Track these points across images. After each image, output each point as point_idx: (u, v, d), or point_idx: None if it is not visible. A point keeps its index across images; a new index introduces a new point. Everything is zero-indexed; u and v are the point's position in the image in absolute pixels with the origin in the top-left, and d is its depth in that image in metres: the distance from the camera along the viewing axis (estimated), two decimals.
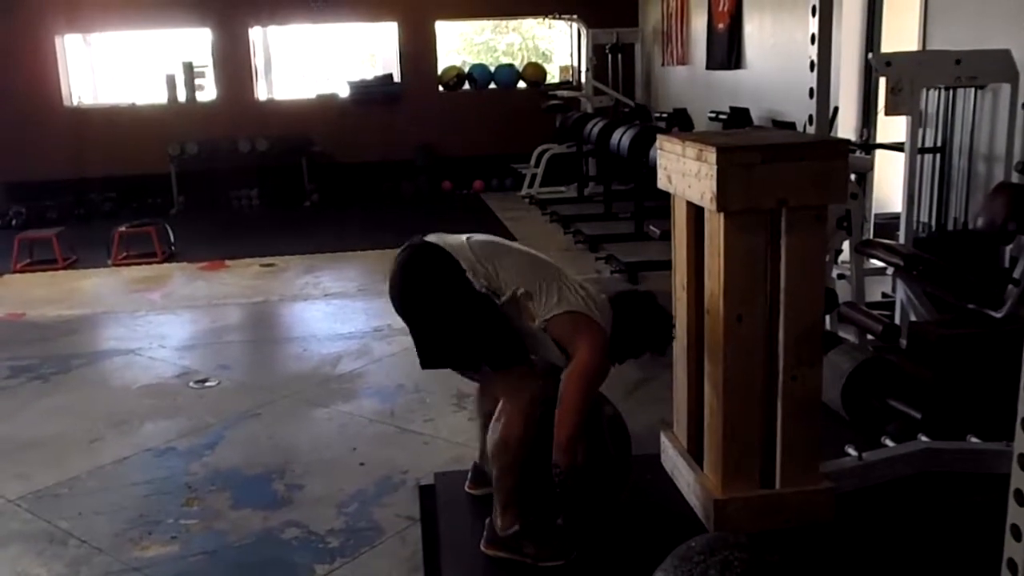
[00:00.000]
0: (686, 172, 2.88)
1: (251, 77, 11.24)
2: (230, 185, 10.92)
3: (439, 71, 11.63)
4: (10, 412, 4.50)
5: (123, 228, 8.12)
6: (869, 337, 4.23)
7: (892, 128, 5.81)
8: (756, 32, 8.12)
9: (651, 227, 7.58)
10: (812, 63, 3.72)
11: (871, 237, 5.09)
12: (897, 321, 4.37)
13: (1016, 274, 3.90)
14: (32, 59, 10.63)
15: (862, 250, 4.38)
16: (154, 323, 6.03)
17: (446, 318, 2.70)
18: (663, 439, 3.35)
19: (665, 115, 9.50)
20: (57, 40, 10.82)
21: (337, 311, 6.17)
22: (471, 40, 17.77)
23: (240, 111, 11.04)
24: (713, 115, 8.42)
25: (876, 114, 6.30)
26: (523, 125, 11.04)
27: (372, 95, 11.31)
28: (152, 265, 7.81)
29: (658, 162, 3.17)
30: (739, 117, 7.92)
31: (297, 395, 4.58)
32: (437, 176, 11.36)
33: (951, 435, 3.31)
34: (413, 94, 11.40)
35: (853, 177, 4.14)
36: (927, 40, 5.38)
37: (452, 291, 2.66)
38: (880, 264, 4.58)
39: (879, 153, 5.75)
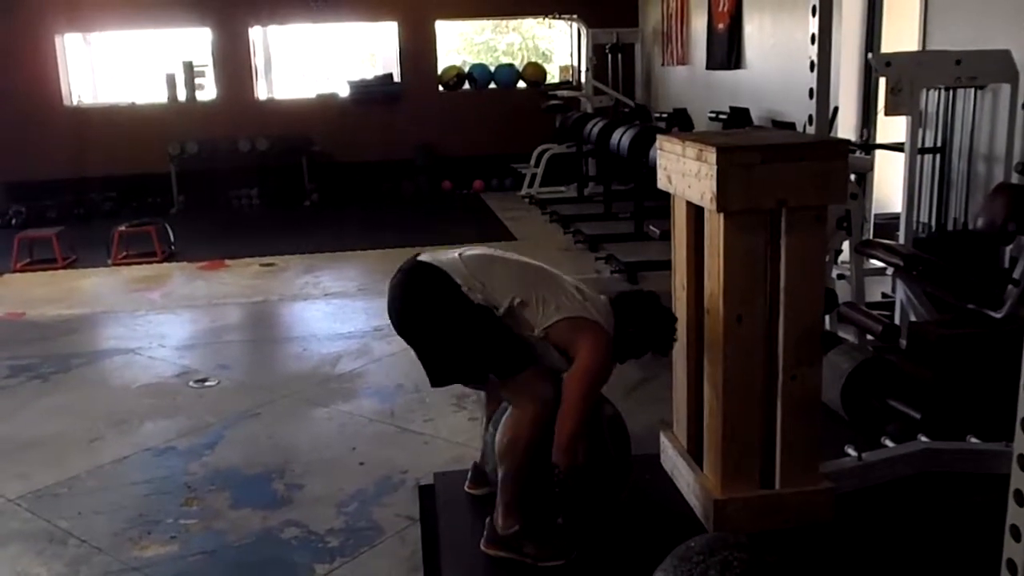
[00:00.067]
0: (686, 172, 2.88)
1: (251, 77, 11.24)
2: (230, 185, 10.92)
3: (439, 71, 11.63)
4: (10, 411, 4.50)
5: (123, 227, 8.12)
6: (869, 337, 4.23)
7: (892, 128, 5.81)
8: (756, 32, 8.12)
9: (651, 227, 7.58)
10: (812, 63, 3.72)
11: (871, 237, 5.09)
12: (897, 321, 4.37)
13: (1016, 274, 3.90)
14: (32, 58, 10.63)
15: (862, 250, 4.38)
16: (154, 322, 6.03)
17: (449, 335, 2.70)
18: (663, 439, 3.35)
19: (665, 115, 9.50)
20: (57, 39, 10.82)
21: (337, 311, 6.18)
22: (471, 40, 17.78)
23: (240, 111, 11.04)
24: (713, 115, 8.43)
25: (876, 114, 6.30)
26: (523, 125, 11.04)
27: (372, 95, 11.31)
28: (152, 265, 7.81)
29: (658, 162, 3.17)
30: (739, 117, 7.92)
31: (297, 395, 4.58)
32: (437, 176, 11.37)
33: (951, 435, 3.31)
34: (413, 94, 11.41)
35: (853, 177, 4.14)
36: (927, 40, 5.38)
37: (451, 308, 2.66)
38: (880, 264, 4.58)
39: (879, 153, 5.75)
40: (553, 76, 12.90)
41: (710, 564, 1.98)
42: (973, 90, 4.85)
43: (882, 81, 4.47)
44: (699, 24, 9.41)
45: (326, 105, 11.37)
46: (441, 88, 11.64)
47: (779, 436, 2.85)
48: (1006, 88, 4.52)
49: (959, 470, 3.18)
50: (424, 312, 2.74)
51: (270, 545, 3.13)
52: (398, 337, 2.86)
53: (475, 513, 2.98)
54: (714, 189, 2.64)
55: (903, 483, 3.15)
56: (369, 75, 11.76)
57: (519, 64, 13.28)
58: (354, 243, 8.38)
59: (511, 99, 11.62)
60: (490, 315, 2.66)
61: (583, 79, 11.08)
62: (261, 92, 11.59)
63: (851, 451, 3.16)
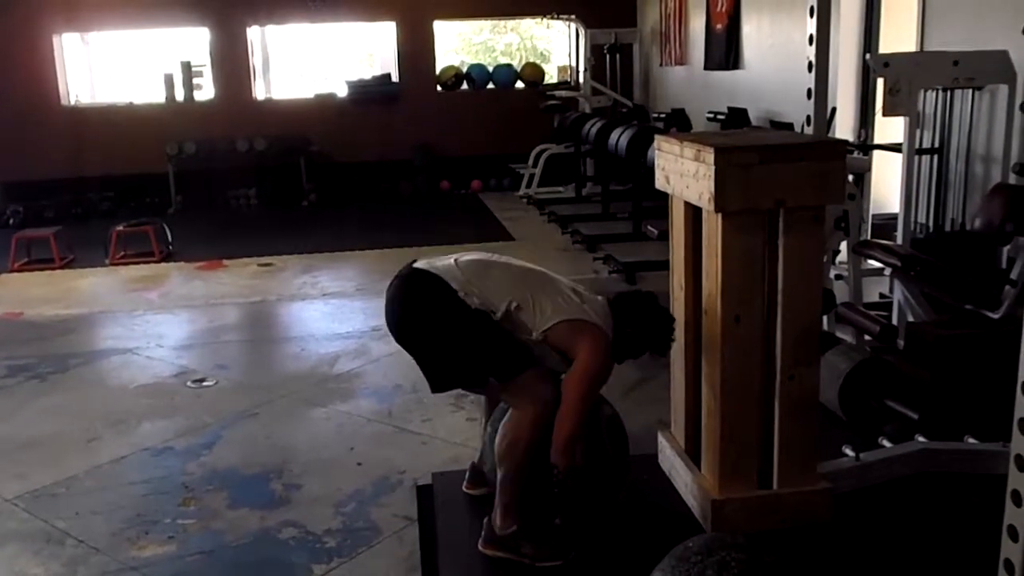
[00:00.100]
0: (684, 172, 2.88)
1: (249, 77, 11.23)
2: (228, 184, 10.91)
3: (437, 71, 11.63)
4: (8, 412, 4.49)
5: (121, 227, 8.11)
6: (866, 338, 4.23)
7: (890, 129, 5.81)
8: (754, 32, 8.12)
9: (649, 227, 7.58)
10: (810, 64, 3.72)
11: (869, 238, 5.09)
12: (894, 322, 4.38)
13: (1013, 275, 3.90)
14: (30, 58, 10.62)
15: (860, 251, 4.38)
16: (152, 322, 6.02)
17: (447, 341, 2.70)
18: (661, 439, 3.35)
19: (663, 115, 9.50)
20: (55, 39, 10.81)
21: (335, 311, 6.17)
22: (469, 40, 17.76)
23: (238, 111, 11.03)
24: (711, 115, 8.43)
25: (874, 115, 6.31)
26: (521, 125, 11.04)
27: (370, 95, 11.31)
28: (150, 264, 7.80)
29: (656, 162, 3.17)
30: (737, 117, 7.92)
31: (295, 395, 4.58)
32: (435, 176, 11.36)
33: (948, 436, 3.31)
34: (411, 94, 11.40)
35: (851, 178, 4.14)
36: (925, 41, 5.39)
37: (448, 314, 2.66)
38: (878, 265, 4.58)
39: (877, 154, 5.75)
40: (551, 76, 12.89)
41: (708, 564, 1.98)
42: (971, 91, 4.85)
43: (880, 82, 4.47)
44: (697, 24, 9.42)
45: (324, 105, 11.37)
46: (439, 88, 11.64)
47: (777, 436, 2.85)
48: (1004, 89, 4.53)
49: (957, 470, 3.19)
50: (422, 319, 2.73)
51: (268, 545, 3.13)
52: None
53: (473, 513, 2.98)
54: (712, 189, 2.64)
55: (901, 483, 3.15)
56: (367, 75, 11.74)
57: (517, 64, 13.28)
58: (352, 243, 8.37)
59: (509, 99, 11.62)
60: (488, 319, 2.66)
61: (581, 79, 11.08)
62: (259, 92, 11.58)
63: (849, 451, 3.16)
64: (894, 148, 5.20)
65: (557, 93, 11.03)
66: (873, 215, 5.71)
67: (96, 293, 6.95)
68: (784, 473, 2.88)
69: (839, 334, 4.25)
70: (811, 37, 3.67)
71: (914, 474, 3.19)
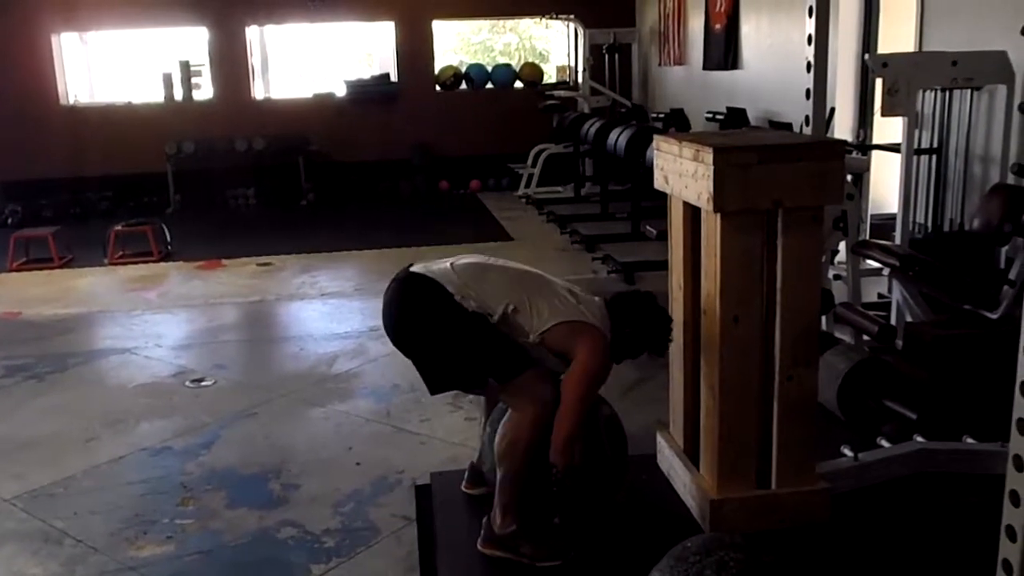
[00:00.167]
0: (683, 172, 2.88)
1: (248, 76, 11.22)
2: (226, 184, 10.90)
3: (436, 71, 11.63)
4: (6, 411, 4.49)
5: (119, 227, 8.11)
6: (865, 338, 4.24)
7: (888, 129, 5.82)
8: (753, 33, 8.12)
9: (648, 227, 7.57)
10: (809, 64, 3.73)
11: (867, 238, 5.10)
12: (893, 322, 4.38)
13: (1012, 275, 3.91)
14: (28, 57, 10.61)
15: (858, 251, 4.38)
16: (150, 322, 6.02)
17: (444, 343, 2.71)
18: (659, 439, 3.35)
19: (662, 115, 9.49)
20: (53, 38, 10.80)
21: (333, 310, 6.17)
22: (468, 40, 17.75)
23: (237, 110, 11.03)
24: (710, 115, 8.43)
25: (872, 115, 6.31)
26: (520, 125, 11.04)
27: (369, 94, 11.31)
28: (148, 264, 7.80)
29: (655, 162, 3.17)
30: (736, 117, 7.93)
31: (293, 394, 4.57)
32: (434, 176, 11.36)
33: (947, 436, 3.31)
34: (410, 94, 11.40)
35: (849, 178, 4.15)
36: (923, 41, 5.39)
37: (445, 316, 2.66)
38: (876, 265, 4.59)
39: (875, 154, 5.76)
40: (550, 76, 12.90)
41: (706, 564, 1.98)
42: (969, 91, 4.85)
43: (879, 82, 4.47)
44: (696, 24, 9.42)
45: (323, 105, 11.36)
46: (438, 88, 11.64)
47: (775, 436, 2.85)
48: (1002, 89, 4.53)
49: (955, 470, 3.19)
50: (418, 322, 2.74)
51: (266, 545, 3.13)
52: None
53: (472, 513, 2.97)
54: (711, 189, 2.64)
55: (899, 483, 3.15)
56: (366, 75, 11.74)
57: (516, 64, 13.29)
58: (351, 243, 8.37)
59: (508, 99, 11.62)
60: (485, 322, 2.66)
61: (580, 79, 11.08)
62: (258, 92, 11.58)
63: (847, 451, 3.16)
64: (893, 148, 5.20)
65: (556, 93, 11.04)
66: (872, 215, 5.72)
67: (95, 293, 6.95)
68: (782, 473, 2.88)
69: (838, 334, 4.25)
70: (810, 37, 3.67)
71: (912, 474, 3.19)
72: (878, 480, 3.14)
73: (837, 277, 4.66)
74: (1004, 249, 4.15)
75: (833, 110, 6.27)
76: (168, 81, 11.06)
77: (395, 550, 3.05)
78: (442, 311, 2.66)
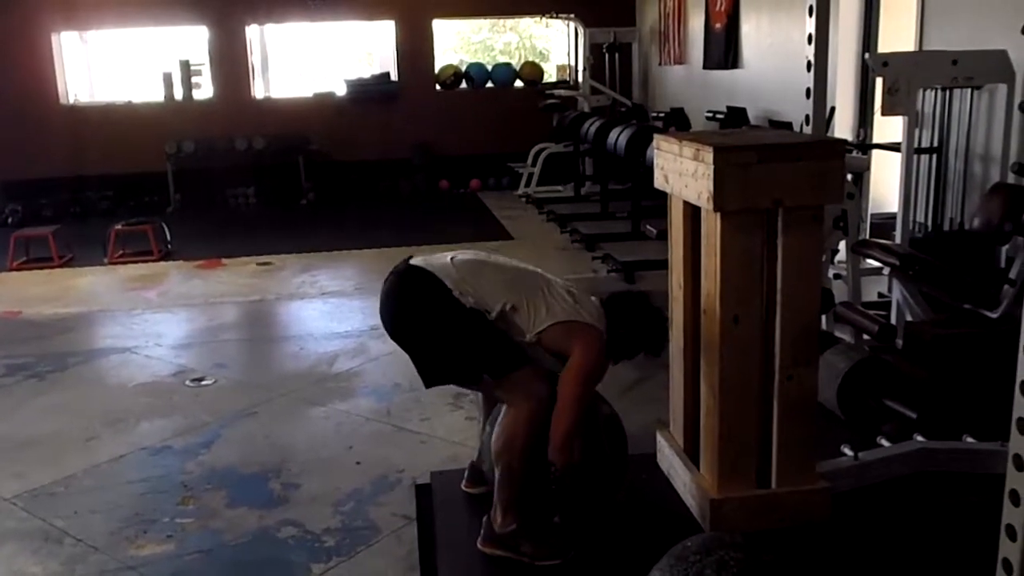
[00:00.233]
0: (683, 172, 2.88)
1: (248, 75, 11.22)
2: (227, 183, 10.90)
3: (436, 70, 11.63)
4: (6, 410, 4.49)
5: (119, 226, 8.11)
6: (865, 337, 4.24)
7: (889, 128, 5.81)
8: (753, 32, 8.12)
9: (648, 226, 7.56)
10: (809, 63, 3.72)
11: (867, 237, 5.10)
12: (893, 321, 4.38)
13: (1012, 274, 3.91)
14: (28, 56, 10.61)
15: (858, 250, 4.38)
16: (150, 321, 6.02)
17: (440, 336, 2.71)
18: (659, 439, 3.35)
19: (662, 114, 9.50)
20: (53, 37, 10.80)
21: (334, 310, 6.17)
22: (468, 39, 17.75)
23: (237, 109, 11.03)
24: (710, 115, 8.43)
25: (873, 114, 6.30)
26: (520, 124, 11.04)
27: (369, 94, 11.31)
28: (148, 263, 7.80)
29: (655, 161, 3.17)
30: (736, 117, 7.93)
31: (294, 394, 4.57)
32: (434, 175, 11.36)
33: (947, 435, 3.31)
34: (410, 93, 11.40)
35: (849, 177, 4.15)
36: (924, 40, 5.39)
37: (442, 310, 2.66)
38: (876, 264, 4.59)
39: (875, 153, 5.75)
40: (550, 75, 12.89)
41: (706, 563, 1.98)
42: (970, 90, 4.85)
43: (879, 81, 4.47)
44: (696, 23, 9.42)
45: (323, 104, 11.36)
46: (438, 87, 11.64)
47: (775, 436, 2.85)
48: (1002, 88, 4.53)
49: (955, 470, 3.19)
50: (415, 315, 2.74)
51: (266, 544, 3.13)
52: None
53: (472, 512, 2.97)
54: (711, 188, 2.64)
55: (899, 483, 3.15)
56: (366, 74, 11.74)
57: (516, 63, 13.28)
58: (351, 242, 8.37)
59: (508, 98, 11.62)
60: (482, 319, 2.66)
61: (580, 78, 11.08)
62: (258, 91, 11.58)
63: (847, 451, 3.16)
64: (893, 147, 5.20)
65: (556, 92, 11.03)
66: (872, 214, 5.71)
67: (95, 292, 6.95)
68: (783, 472, 2.88)
69: (838, 333, 4.25)
70: (810, 36, 3.67)
71: (912, 473, 3.19)
72: (878, 479, 3.14)
73: (837, 276, 4.66)
74: (1004, 248, 4.14)
75: (833, 109, 6.27)
76: (168, 80, 11.06)
77: (395, 549, 3.05)
78: (439, 305, 2.66)
